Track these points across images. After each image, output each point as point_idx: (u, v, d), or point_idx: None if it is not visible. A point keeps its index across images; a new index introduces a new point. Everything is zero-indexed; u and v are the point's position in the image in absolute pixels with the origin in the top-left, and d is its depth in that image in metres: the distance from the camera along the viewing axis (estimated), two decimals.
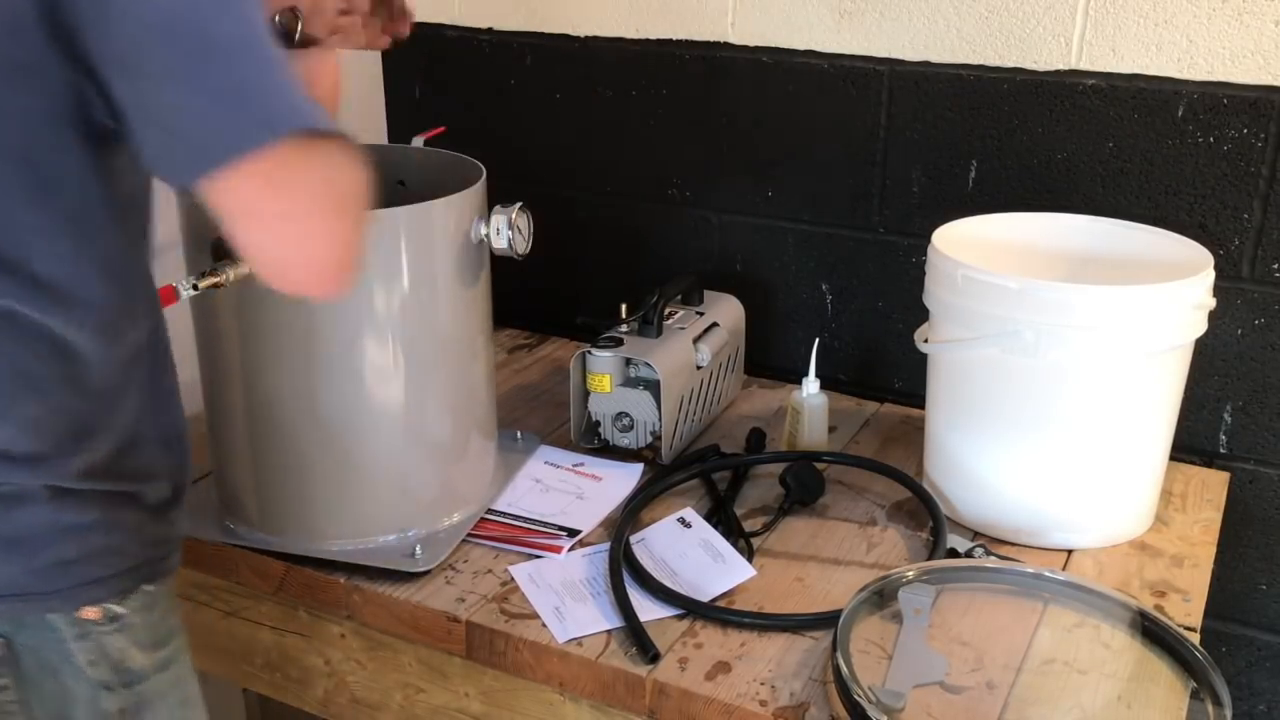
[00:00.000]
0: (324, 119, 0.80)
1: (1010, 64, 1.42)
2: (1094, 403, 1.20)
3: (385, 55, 1.84)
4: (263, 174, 0.77)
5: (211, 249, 1.08)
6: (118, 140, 0.82)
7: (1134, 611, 1.10)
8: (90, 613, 0.91)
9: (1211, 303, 1.21)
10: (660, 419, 1.39)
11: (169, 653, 0.98)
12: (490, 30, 1.74)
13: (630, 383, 1.41)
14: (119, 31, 0.75)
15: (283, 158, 0.78)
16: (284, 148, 0.77)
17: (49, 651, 0.91)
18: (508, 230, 1.21)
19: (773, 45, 1.55)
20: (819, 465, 1.37)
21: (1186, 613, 1.15)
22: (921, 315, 1.33)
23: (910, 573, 1.14)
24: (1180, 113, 1.36)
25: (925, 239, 1.30)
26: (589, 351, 1.40)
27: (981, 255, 1.26)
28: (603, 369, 1.39)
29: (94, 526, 0.90)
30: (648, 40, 1.63)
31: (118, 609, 0.92)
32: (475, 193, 1.22)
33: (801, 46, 1.54)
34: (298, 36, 1.02)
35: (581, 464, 1.42)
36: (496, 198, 1.24)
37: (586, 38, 1.67)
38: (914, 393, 1.51)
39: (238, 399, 1.21)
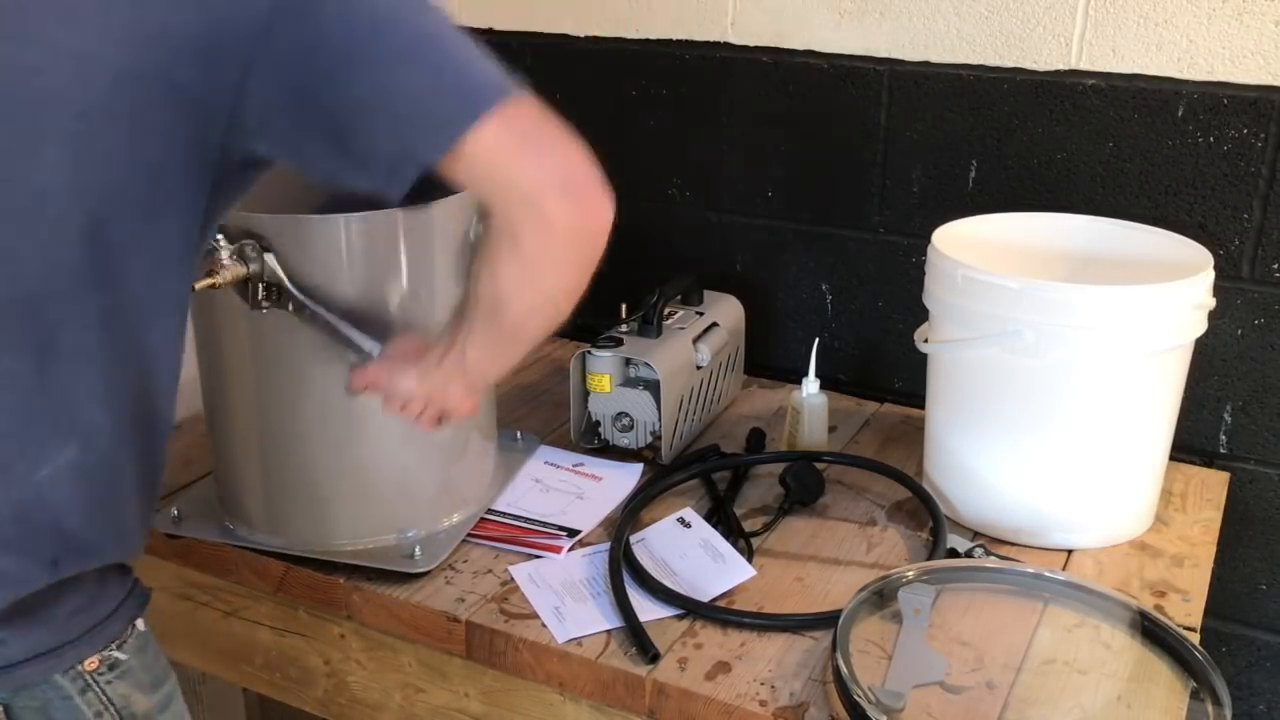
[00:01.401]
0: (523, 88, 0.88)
1: (1010, 64, 1.42)
2: (1094, 403, 1.20)
3: None
4: (508, 121, 0.85)
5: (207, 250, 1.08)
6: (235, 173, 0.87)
7: (1134, 611, 1.10)
8: (92, 663, 0.90)
9: (1211, 303, 1.21)
10: (660, 419, 1.39)
11: (167, 691, 0.97)
12: (490, 30, 1.74)
13: (630, 383, 1.41)
14: (328, 48, 0.81)
15: (515, 108, 0.86)
16: (511, 102, 0.86)
17: (54, 710, 0.89)
18: None
19: (773, 45, 1.55)
20: (819, 465, 1.37)
21: (1186, 613, 1.15)
22: (921, 315, 1.33)
23: (910, 573, 1.14)
24: (1180, 113, 1.36)
25: (925, 239, 1.30)
26: (589, 351, 1.40)
27: (981, 255, 1.26)
28: (602, 369, 1.39)
29: (86, 574, 0.89)
30: (648, 40, 1.63)
31: (117, 654, 0.92)
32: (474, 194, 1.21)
33: (801, 46, 1.54)
34: None
35: (581, 464, 1.42)
36: None
37: (586, 38, 1.67)
38: (914, 393, 1.51)
39: (237, 399, 1.21)
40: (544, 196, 0.88)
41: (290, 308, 1.11)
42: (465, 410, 1.07)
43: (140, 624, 0.95)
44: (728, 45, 1.58)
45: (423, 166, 0.84)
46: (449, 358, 1.02)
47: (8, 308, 0.80)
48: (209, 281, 1.05)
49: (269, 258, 1.09)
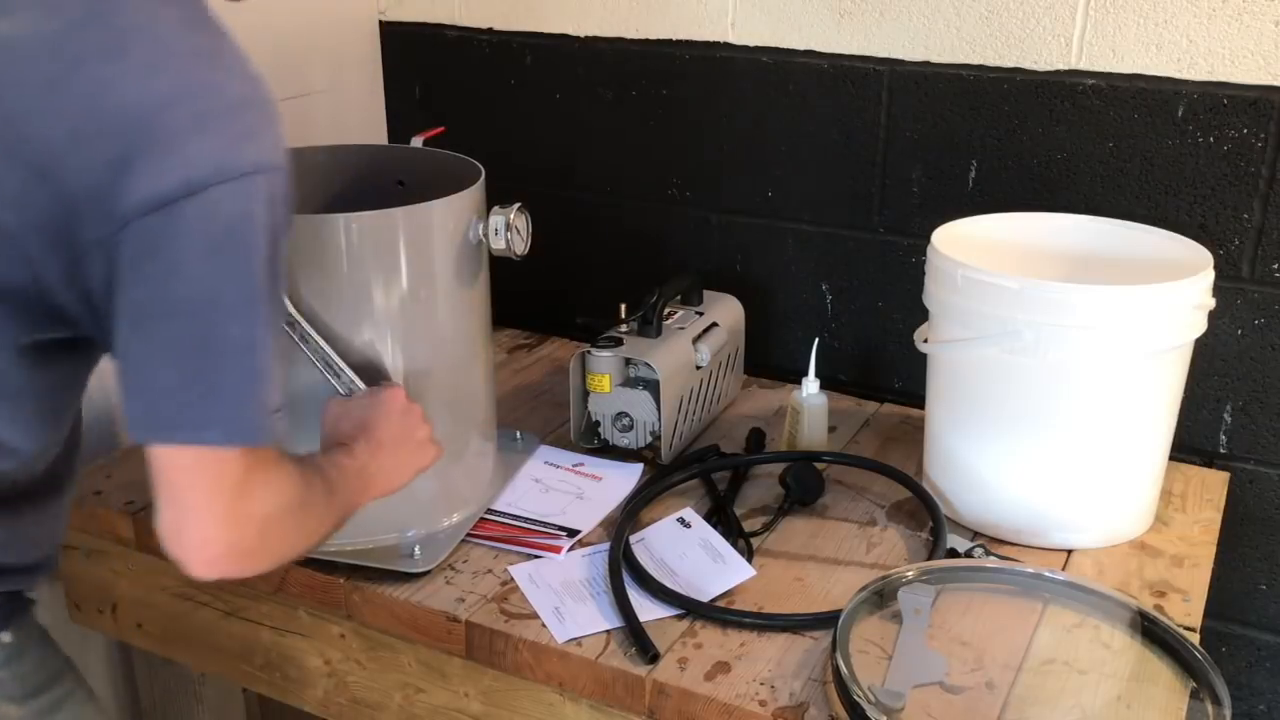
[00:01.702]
0: (282, 440, 0.86)
1: (1010, 64, 1.42)
2: (1094, 403, 1.20)
3: (385, 55, 1.84)
4: (200, 465, 0.82)
5: None
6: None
7: (1134, 611, 1.10)
8: None
9: (1211, 303, 1.21)
10: (660, 419, 1.39)
11: (54, 697, 0.96)
12: (490, 30, 1.74)
13: (630, 383, 1.41)
14: (139, 294, 0.80)
15: (225, 460, 0.82)
16: (230, 453, 0.82)
17: None
18: (506, 230, 1.21)
19: (773, 45, 1.55)
20: (819, 465, 1.37)
21: (1186, 613, 1.15)
22: (921, 315, 1.33)
23: (910, 573, 1.14)
24: (1180, 113, 1.36)
25: (925, 239, 1.30)
26: (589, 351, 1.40)
27: (981, 255, 1.26)
28: (602, 369, 1.39)
29: None
30: (648, 40, 1.63)
31: None
32: (474, 193, 1.22)
33: (801, 46, 1.54)
34: None
35: (581, 464, 1.42)
36: (496, 198, 1.24)
37: (586, 38, 1.67)
38: (914, 393, 1.51)
39: None
40: (161, 535, 0.85)
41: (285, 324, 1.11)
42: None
43: (5, 636, 0.94)
44: (728, 45, 1.58)
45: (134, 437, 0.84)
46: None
47: None
48: None
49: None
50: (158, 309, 0.80)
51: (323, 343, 1.11)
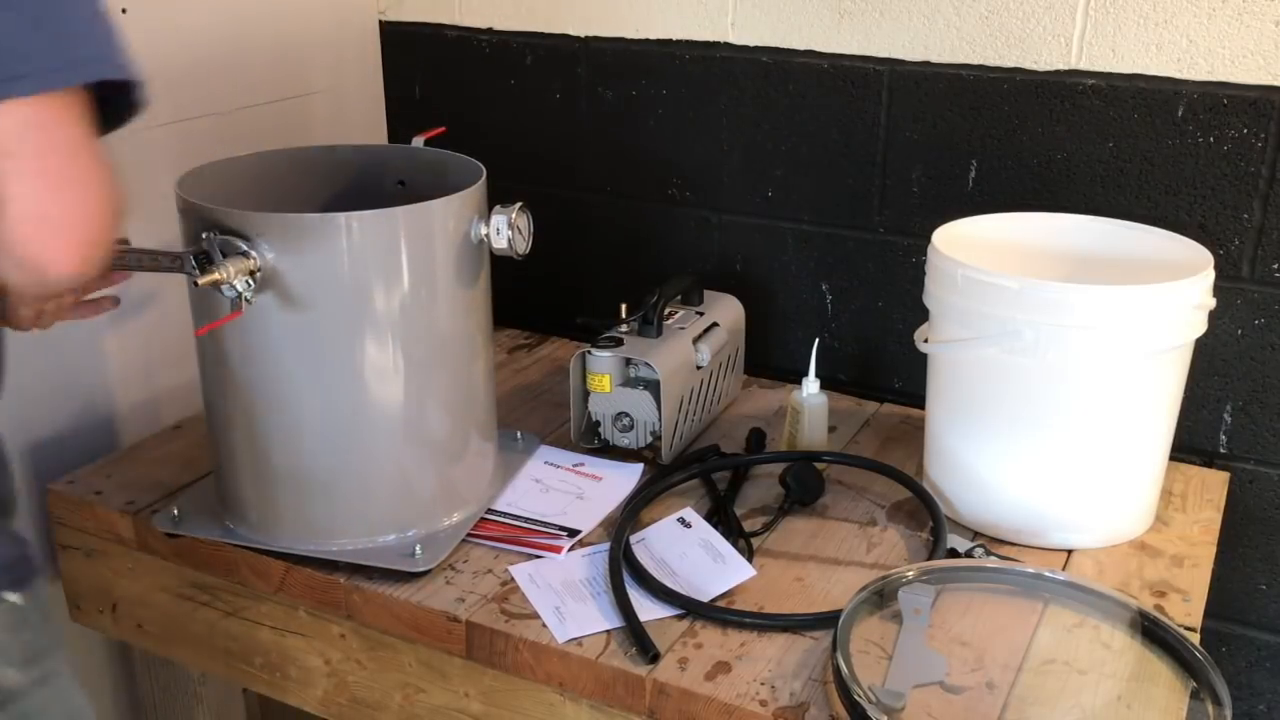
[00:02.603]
0: (134, 70, 0.73)
1: (1010, 64, 1.42)
2: (1094, 403, 1.20)
3: (385, 55, 1.84)
4: (46, 117, 0.70)
5: (208, 247, 1.08)
6: None
7: (1134, 611, 1.10)
8: None
9: (1211, 303, 1.21)
10: (660, 419, 1.39)
11: (47, 668, 0.95)
12: (490, 30, 1.74)
13: (630, 383, 1.41)
14: None
15: (68, 107, 0.70)
16: (74, 96, 0.70)
17: None
18: (507, 230, 1.21)
19: (773, 45, 1.55)
20: (819, 465, 1.37)
21: (1186, 613, 1.15)
22: (921, 315, 1.33)
23: (910, 573, 1.14)
24: (1180, 113, 1.36)
25: (925, 239, 1.30)
26: (589, 351, 1.40)
27: (981, 255, 1.26)
28: (602, 369, 1.39)
29: None
30: (648, 40, 1.63)
31: None
32: (475, 193, 1.22)
33: (801, 46, 1.54)
34: None
35: (581, 464, 1.42)
36: (496, 198, 1.24)
37: (586, 38, 1.67)
38: (914, 393, 1.51)
39: (237, 399, 1.21)
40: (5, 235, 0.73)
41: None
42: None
43: (14, 597, 0.91)
44: (728, 45, 1.58)
45: None
46: None
47: None
48: (213, 278, 1.05)
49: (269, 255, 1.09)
50: None
51: None
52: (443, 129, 1.37)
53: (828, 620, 1.09)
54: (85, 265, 0.76)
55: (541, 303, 1.81)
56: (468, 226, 1.21)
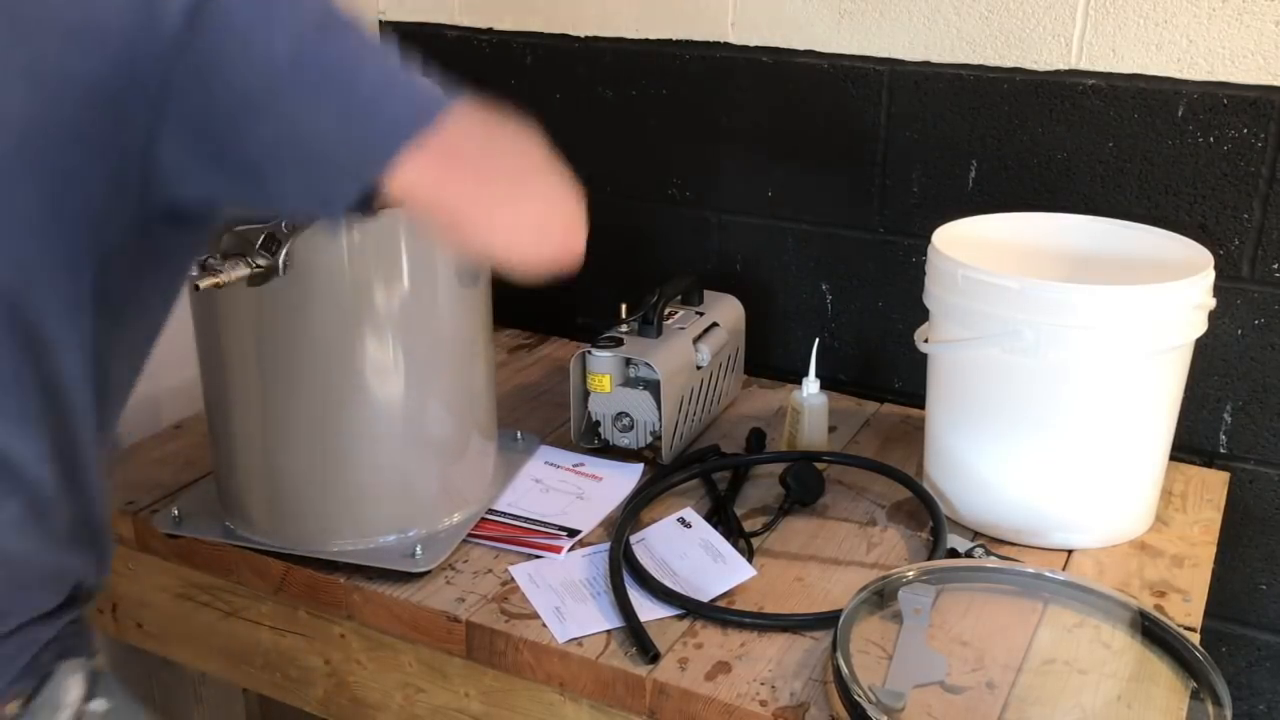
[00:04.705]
0: (462, 99, 0.82)
1: (1010, 64, 1.42)
2: (1094, 403, 1.20)
3: None
4: (428, 152, 0.78)
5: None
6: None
7: (1134, 611, 1.10)
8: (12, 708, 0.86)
9: (1211, 303, 1.21)
10: (660, 419, 1.39)
11: None
12: (490, 30, 1.74)
13: (630, 383, 1.41)
14: (231, 89, 0.76)
15: (447, 134, 0.80)
16: (442, 127, 0.79)
17: None
18: None
19: (773, 45, 1.55)
20: (819, 465, 1.37)
21: (1186, 613, 1.15)
22: (921, 315, 1.33)
23: (910, 573, 1.14)
24: (1180, 113, 1.36)
25: (925, 239, 1.30)
26: (589, 351, 1.40)
27: (981, 255, 1.26)
28: (603, 369, 1.39)
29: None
30: (648, 40, 1.63)
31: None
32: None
33: (801, 46, 1.54)
34: None
35: (581, 464, 1.42)
36: None
37: (586, 38, 1.67)
38: (914, 393, 1.51)
39: (238, 399, 1.21)
40: (471, 225, 0.83)
41: None
42: None
43: (99, 704, 0.90)
44: (728, 45, 1.58)
45: (334, 211, 0.81)
46: None
47: None
48: (214, 280, 1.05)
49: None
50: (265, 83, 0.76)
51: None
52: None
53: (828, 620, 1.09)
54: (568, 249, 0.86)
55: (541, 303, 1.81)
56: None
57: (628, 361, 1.40)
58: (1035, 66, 1.41)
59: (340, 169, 0.79)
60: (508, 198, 0.83)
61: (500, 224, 0.83)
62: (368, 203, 0.80)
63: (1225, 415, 1.43)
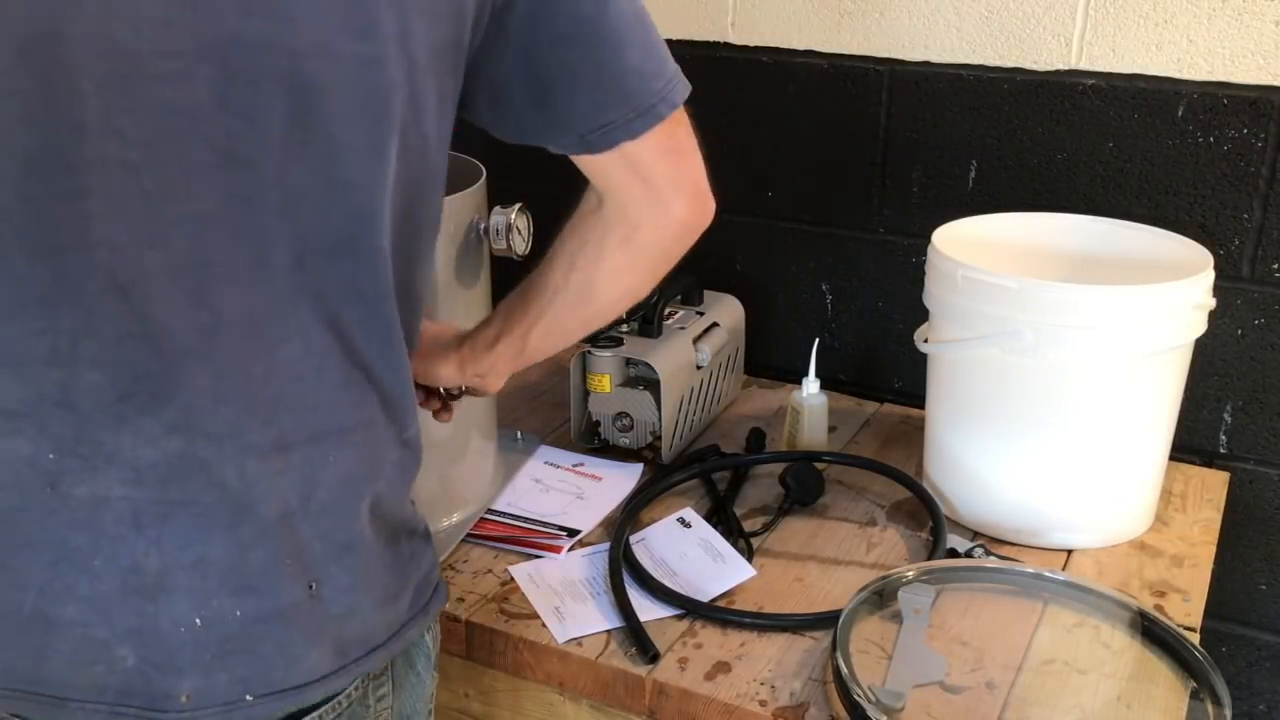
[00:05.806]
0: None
1: (1010, 64, 1.42)
2: (1094, 403, 1.20)
3: None
4: (679, 118, 0.89)
5: None
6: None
7: (1134, 611, 1.10)
8: None
9: (1211, 303, 1.21)
10: (660, 419, 1.39)
11: None
12: None
13: (630, 383, 1.41)
14: (557, 19, 0.83)
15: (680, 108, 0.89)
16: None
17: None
18: (507, 231, 1.21)
19: (773, 45, 1.55)
20: (819, 465, 1.37)
21: (1186, 613, 1.15)
22: (921, 315, 1.33)
23: (910, 573, 1.15)
24: (1180, 113, 1.36)
25: (925, 239, 1.30)
26: (589, 351, 1.40)
27: (981, 255, 1.26)
28: (602, 369, 1.39)
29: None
30: None
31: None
32: (475, 193, 1.22)
33: (801, 46, 1.54)
34: None
35: (581, 464, 1.42)
36: (496, 198, 1.24)
37: None
38: (914, 393, 1.51)
39: None
40: (677, 198, 0.91)
41: None
42: (493, 391, 1.12)
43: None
44: (728, 45, 1.58)
45: (614, 144, 0.87)
46: (505, 342, 1.03)
47: (375, 302, 0.81)
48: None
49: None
50: (590, 16, 0.83)
51: None
52: None
53: (828, 620, 1.09)
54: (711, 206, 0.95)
55: None
56: (468, 227, 1.21)
57: (628, 361, 1.40)
58: (1035, 66, 1.41)
59: (629, 109, 0.85)
60: (690, 173, 0.91)
61: (678, 191, 0.91)
62: (608, 144, 0.87)
63: (1225, 415, 1.43)
